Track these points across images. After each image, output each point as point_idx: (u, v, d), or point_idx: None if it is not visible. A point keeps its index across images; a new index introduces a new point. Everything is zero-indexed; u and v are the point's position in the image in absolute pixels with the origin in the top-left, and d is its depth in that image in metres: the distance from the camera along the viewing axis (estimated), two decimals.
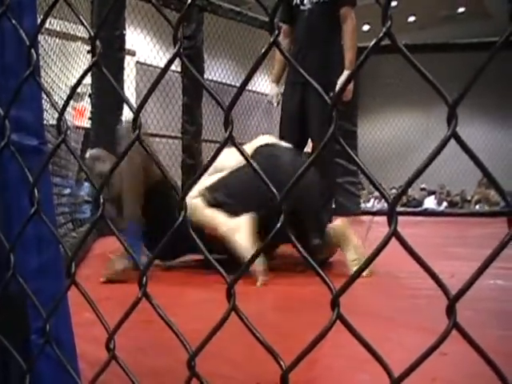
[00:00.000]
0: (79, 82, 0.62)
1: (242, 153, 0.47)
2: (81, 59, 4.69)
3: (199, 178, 0.50)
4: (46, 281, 0.72)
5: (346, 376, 1.07)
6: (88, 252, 3.17)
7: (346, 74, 3.41)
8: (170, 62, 0.48)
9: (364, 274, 1.62)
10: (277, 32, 0.48)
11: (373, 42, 0.45)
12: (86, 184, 4.64)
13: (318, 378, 1.05)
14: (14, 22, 0.69)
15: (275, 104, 3.90)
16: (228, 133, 0.48)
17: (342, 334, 0.44)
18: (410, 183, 0.44)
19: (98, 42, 0.58)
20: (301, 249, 0.46)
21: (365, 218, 5.55)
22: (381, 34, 0.45)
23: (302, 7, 3.58)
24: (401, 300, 1.84)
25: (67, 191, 4.36)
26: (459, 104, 0.42)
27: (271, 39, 0.48)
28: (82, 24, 0.60)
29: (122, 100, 4.36)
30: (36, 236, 0.72)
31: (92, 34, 0.57)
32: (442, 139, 0.43)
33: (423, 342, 1.27)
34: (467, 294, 0.43)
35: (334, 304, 0.44)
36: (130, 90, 4.71)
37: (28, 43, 0.66)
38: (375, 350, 0.44)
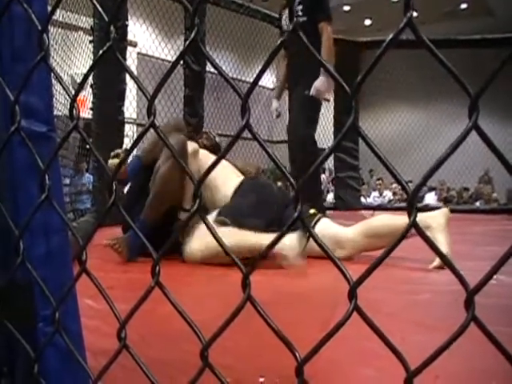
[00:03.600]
0: (92, 69, 0.61)
1: (262, 144, 0.47)
2: (83, 49, 4.67)
3: (214, 166, 0.49)
4: (54, 268, 0.72)
5: (349, 370, 1.07)
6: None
7: (321, 78, 3.91)
8: (188, 46, 0.48)
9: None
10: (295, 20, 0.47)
11: (393, 34, 0.45)
12: (87, 174, 4.63)
13: (321, 371, 1.05)
14: (25, 5, 0.69)
15: (274, 117, 4.61)
16: (245, 120, 0.47)
17: (345, 327, 0.44)
18: (428, 176, 0.43)
19: (112, 28, 0.57)
20: (319, 241, 0.45)
21: (365, 212, 5.54)
22: (402, 25, 0.45)
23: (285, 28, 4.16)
24: (401, 295, 1.84)
25: (66, 181, 4.36)
26: (481, 96, 0.42)
27: (290, 27, 0.47)
28: (98, 11, 0.60)
29: (123, 90, 4.35)
30: (44, 223, 0.71)
31: (107, 19, 0.57)
32: (463, 131, 0.42)
33: (426, 337, 1.27)
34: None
35: (352, 295, 0.44)
36: (131, 81, 4.69)
37: (40, 28, 0.65)
38: (392, 343, 0.44)
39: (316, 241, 0.46)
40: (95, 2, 0.60)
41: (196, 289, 2.04)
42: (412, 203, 0.42)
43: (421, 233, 0.42)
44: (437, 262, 2.23)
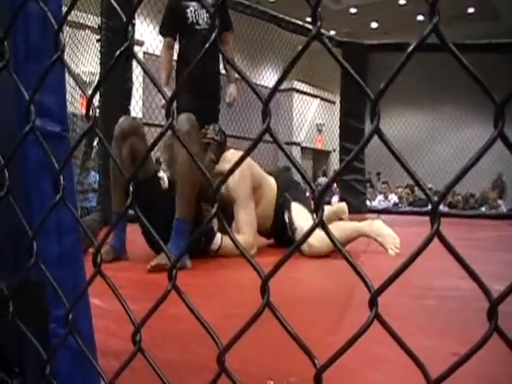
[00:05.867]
0: (110, 69, 0.61)
1: (282, 148, 0.46)
2: (90, 47, 4.68)
3: (235, 169, 0.49)
4: (66, 269, 0.71)
5: (360, 375, 1.06)
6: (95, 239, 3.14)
7: (233, 85, 4.07)
8: (209, 45, 0.47)
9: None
10: (319, 23, 0.47)
11: (420, 39, 0.44)
12: (93, 173, 4.63)
13: (331, 376, 1.04)
14: (41, 4, 0.68)
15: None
16: (266, 124, 0.47)
17: (354, 329, 0.43)
18: (453, 184, 0.43)
19: (130, 28, 0.56)
20: (339, 246, 0.45)
21: (370, 216, 5.53)
22: (427, 30, 0.44)
23: (197, 27, 3.91)
24: (409, 299, 1.83)
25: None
26: (507, 104, 0.41)
27: (313, 31, 0.47)
28: (105, 10, 0.59)
29: (130, 89, 4.35)
30: (57, 223, 0.71)
31: (124, 19, 0.56)
32: (489, 139, 0.42)
33: (435, 342, 1.26)
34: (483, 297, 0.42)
35: (372, 303, 0.43)
36: (138, 80, 4.69)
37: (56, 27, 0.65)
38: (413, 352, 0.43)
39: (336, 245, 0.45)
40: (114, 2, 0.59)
41: (201, 287, 2.03)
42: (435, 211, 0.42)
43: (445, 243, 0.41)
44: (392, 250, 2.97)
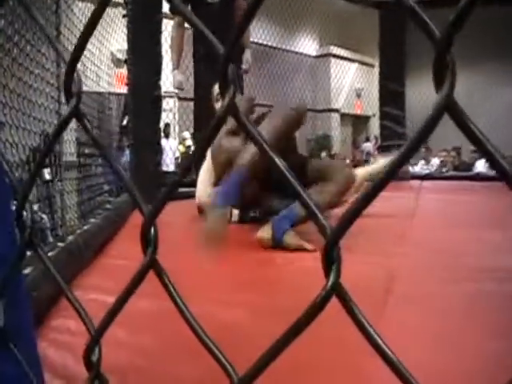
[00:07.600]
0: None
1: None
2: (116, 24, 4.55)
3: None
4: None
5: None
6: (125, 222, 2.90)
7: (247, 51, 4.13)
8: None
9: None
10: None
11: None
12: (127, 151, 4.56)
13: None
14: None
15: (177, 90, 4.37)
16: (229, 98, 0.31)
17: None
18: None
19: None
20: None
21: (413, 182, 5.30)
22: None
23: (208, 0, 3.83)
24: (476, 289, 1.62)
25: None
26: None
27: None
28: None
29: (159, 64, 4.20)
30: None
31: None
32: None
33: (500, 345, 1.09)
34: None
35: None
36: (168, 54, 4.55)
37: None
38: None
39: None
40: None
41: (229, 276, 1.88)
42: None
43: None
44: None
